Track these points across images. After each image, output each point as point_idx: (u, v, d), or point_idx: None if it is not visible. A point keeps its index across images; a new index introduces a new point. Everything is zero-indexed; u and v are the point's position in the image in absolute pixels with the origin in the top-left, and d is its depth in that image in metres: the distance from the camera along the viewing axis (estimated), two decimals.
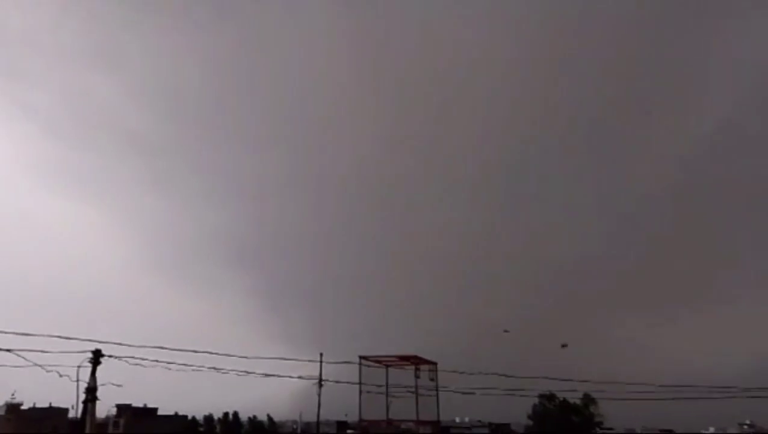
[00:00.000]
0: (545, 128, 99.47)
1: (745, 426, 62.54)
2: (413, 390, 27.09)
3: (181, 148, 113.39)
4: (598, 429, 44.49)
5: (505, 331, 53.12)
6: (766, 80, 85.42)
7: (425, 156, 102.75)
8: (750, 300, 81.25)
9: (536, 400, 42.36)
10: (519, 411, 46.12)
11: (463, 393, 21.59)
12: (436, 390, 26.40)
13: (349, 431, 38.95)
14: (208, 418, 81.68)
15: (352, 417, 31.72)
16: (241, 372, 17.29)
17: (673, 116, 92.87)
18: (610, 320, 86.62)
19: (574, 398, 40.48)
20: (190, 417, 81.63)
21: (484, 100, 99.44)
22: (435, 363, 26.80)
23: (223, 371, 16.89)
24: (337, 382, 21.33)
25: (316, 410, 29.50)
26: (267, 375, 18.29)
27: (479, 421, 50.81)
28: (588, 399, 40.83)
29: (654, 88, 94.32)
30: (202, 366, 16.19)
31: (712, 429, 63.06)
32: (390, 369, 28.51)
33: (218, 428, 78.61)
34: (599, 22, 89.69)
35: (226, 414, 79.76)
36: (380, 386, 27.61)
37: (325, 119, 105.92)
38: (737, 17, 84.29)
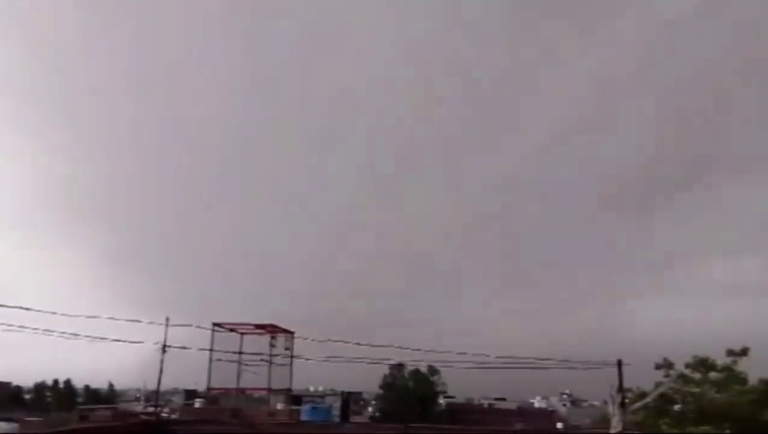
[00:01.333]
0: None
1: (564, 396, 72.76)
2: (268, 358, 26.94)
3: (47, 95, 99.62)
4: (441, 397, 48.05)
5: None
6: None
7: (284, 108, 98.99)
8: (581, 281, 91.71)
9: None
10: (374, 380, 48.26)
11: (306, 360, 21.87)
12: (291, 358, 26.44)
13: (197, 399, 37.97)
14: (39, 386, 74.95)
15: (203, 386, 30.82)
16: (69, 334, 15.32)
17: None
18: (457, 297, 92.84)
19: (422, 368, 43.31)
20: (13, 385, 74.36)
21: None
22: (292, 332, 26.78)
23: (48, 333, 14.79)
24: (183, 348, 20.24)
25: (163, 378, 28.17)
26: (98, 339, 16.53)
27: (332, 390, 52.17)
28: (432, 370, 43.77)
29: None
30: (25, 327, 14.00)
31: (537, 398, 71.45)
32: (246, 337, 28.14)
33: (50, 396, 72.37)
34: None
35: (56, 382, 73.66)
36: (234, 354, 27.21)
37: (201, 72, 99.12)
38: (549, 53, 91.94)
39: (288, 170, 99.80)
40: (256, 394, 31.09)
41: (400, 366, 43.34)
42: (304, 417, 24.57)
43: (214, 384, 27.96)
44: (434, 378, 44.84)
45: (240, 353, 27.69)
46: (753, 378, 22.14)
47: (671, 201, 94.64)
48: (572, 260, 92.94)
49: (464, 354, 15.56)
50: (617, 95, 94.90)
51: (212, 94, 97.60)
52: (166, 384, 31.52)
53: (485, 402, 63.46)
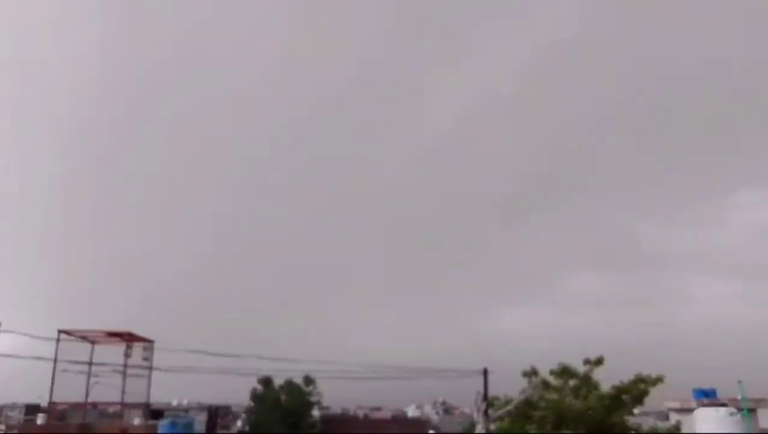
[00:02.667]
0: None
1: (438, 404, 74.87)
2: (123, 369, 24.48)
3: None
4: (316, 409, 46.99)
5: None
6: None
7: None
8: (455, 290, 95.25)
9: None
10: (244, 392, 46.02)
11: (165, 371, 20.07)
12: (149, 369, 24.18)
13: (39, 415, 33.47)
14: None
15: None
16: None
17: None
18: (334, 300, 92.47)
19: (296, 378, 41.98)
20: None
21: None
22: (151, 341, 24.51)
23: None
24: (18, 357, 17.59)
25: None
26: None
27: (198, 403, 49.17)
28: (308, 380, 42.60)
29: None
30: None
31: (412, 406, 72.73)
32: (98, 346, 25.50)
33: None
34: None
35: None
36: (84, 364, 24.57)
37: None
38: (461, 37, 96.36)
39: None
40: (111, 409, 28.38)
41: (268, 378, 41.71)
42: (161, 433, 22.48)
43: (60, 398, 25.38)
44: (309, 389, 43.68)
45: (90, 364, 25.11)
46: (606, 385, 23.65)
47: (537, 218, 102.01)
48: (448, 272, 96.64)
49: (332, 363, 14.84)
50: (498, 115, 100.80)
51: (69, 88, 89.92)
52: (3, 397, 27.64)
53: (360, 412, 63.31)
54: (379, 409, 66.24)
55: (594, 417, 22.17)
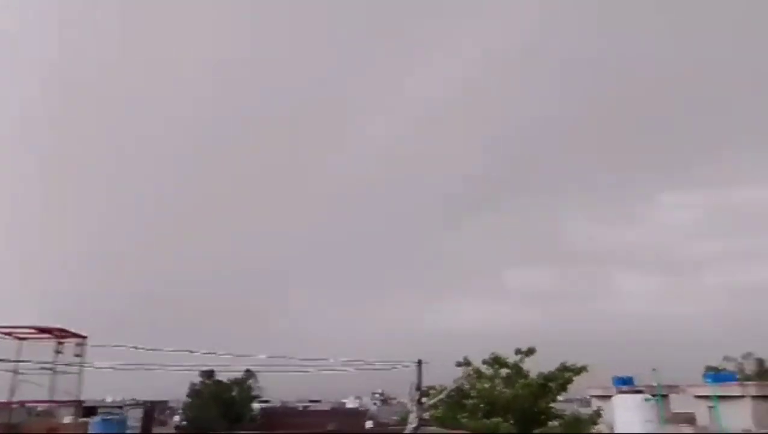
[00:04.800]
0: None
1: (376, 395, 76.30)
2: (52, 366, 23.72)
3: None
4: (256, 403, 46.86)
5: None
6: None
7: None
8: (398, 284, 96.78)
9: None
10: (182, 388, 45.20)
11: (97, 368, 19.69)
12: (81, 366, 23.55)
13: None
14: None
15: None
16: None
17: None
18: (279, 297, 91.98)
19: (237, 373, 41.74)
20: None
21: None
22: (84, 337, 23.86)
23: None
24: None
25: None
26: None
27: (134, 400, 47.84)
28: (249, 374, 42.45)
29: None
30: None
31: (351, 398, 73.64)
32: (26, 342, 24.55)
33: None
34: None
35: None
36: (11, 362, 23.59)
37: None
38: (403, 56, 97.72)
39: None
40: (41, 407, 27.45)
41: (211, 372, 41.25)
42: (93, 431, 21.95)
43: None
44: (249, 383, 43.55)
45: (17, 361, 24.17)
46: (536, 374, 25.00)
47: (479, 217, 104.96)
48: (393, 268, 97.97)
49: (273, 357, 15.12)
50: (445, 117, 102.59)
51: None
52: None
53: (300, 405, 63.51)
54: (318, 401, 66.77)
55: (522, 404, 23.42)
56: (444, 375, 24.38)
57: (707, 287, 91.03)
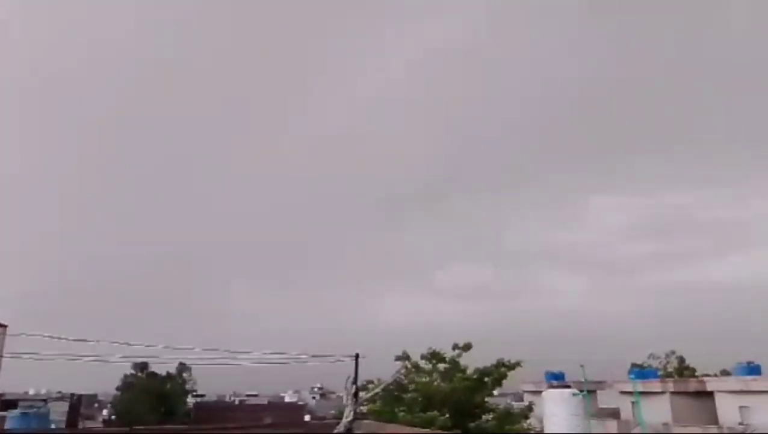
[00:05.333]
0: None
1: (315, 389, 76.00)
2: None
3: None
4: (190, 397, 45.73)
5: None
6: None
7: None
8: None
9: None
10: (113, 381, 43.47)
11: (13, 356, 18.63)
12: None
13: None
14: None
15: None
16: None
17: None
18: (217, 288, 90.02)
19: (171, 367, 40.58)
20: None
21: None
22: (4, 325, 22.40)
23: None
24: None
25: None
26: None
27: (59, 392, 45.67)
28: (183, 367, 41.36)
29: None
30: None
31: (289, 392, 73.05)
32: None
33: None
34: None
35: None
36: None
37: None
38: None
39: None
40: None
41: (144, 364, 39.91)
42: (9, 426, 20.69)
43: None
44: (184, 376, 42.43)
45: None
46: (472, 369, 25.54)
47: (420, 213, 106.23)
48: (334, 263, 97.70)
49: (208, 350, 14.72)
50: (387, 114, 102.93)
51: None
52: None
53: (236, 399, 62.45)
54: (255, 395, 65.91)
55: (458, 398, 23.87)
56: (384, 370, 24.53)
57: (637, 288, 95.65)
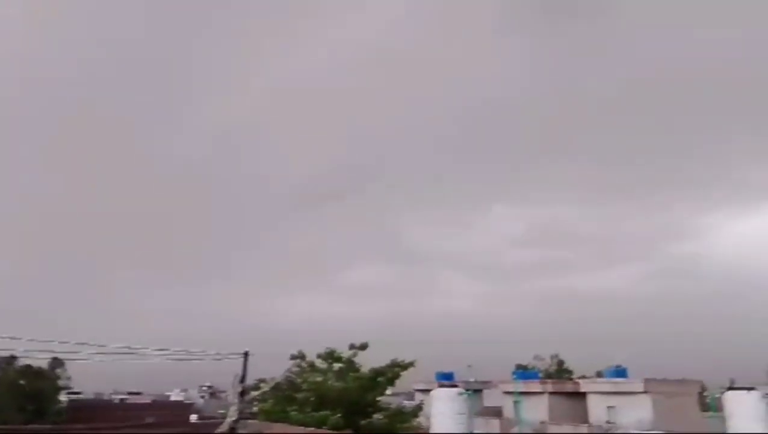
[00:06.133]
0: None
1: (204, 388, 73.13)
2: None
3: None
4: (64, 394, 42.52)
5: None
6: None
7: None
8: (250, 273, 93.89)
9: None
10: None
11: None
12: None
13: None
14: None
15: None
16: None
17: None
18: (109, 282, 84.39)
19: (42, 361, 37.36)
20: None
21: None
22: None
23: None
24: None
25: None
26: None
27: None
28: (56, 363, 38.21)
29: None
30: None
31: (176, 390, 69.82)
32: None
33: None
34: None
35: None
36: None
37: None
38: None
39: None
40: None
41: (12, 357, 36.41)
42: None
43: None
44: (57, 372, 39.16)
45: None
46: (367, 368, 25.75)
47: (326, 210, 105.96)
48: (234, 258, 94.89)
49: (86, 344, 13.67)
50: (298, 106, 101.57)
51: None
52: None
53: (117, 397, 58.76)
54: (138, 394, 62.41)
55: (351, 397, 23.96)
56: (280, 369, 24.15)
57: (525, 293, 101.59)
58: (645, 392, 27.28)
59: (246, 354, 14.12)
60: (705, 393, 34.80)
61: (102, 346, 15.79)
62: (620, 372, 29.83)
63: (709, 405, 33.02)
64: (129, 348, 12.65)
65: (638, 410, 27.01)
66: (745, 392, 17.40)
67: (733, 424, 17.15)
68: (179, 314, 76.49)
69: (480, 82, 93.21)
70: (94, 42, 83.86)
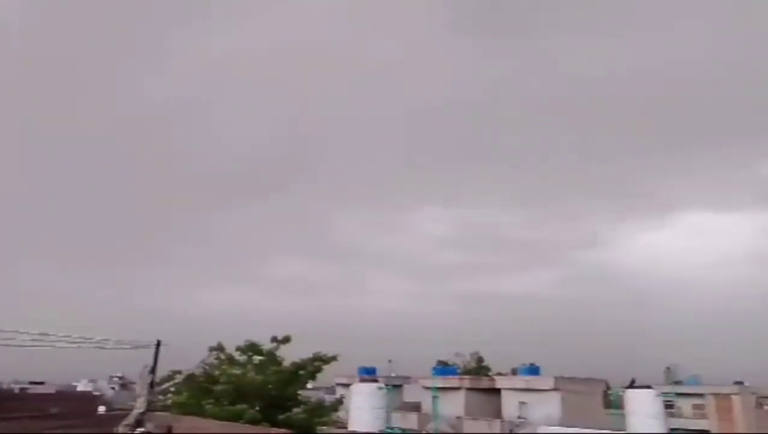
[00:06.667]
0: None
1: (115, 379, 69.69)
2: None
3: None
4: None
5: None
6: None
7: None
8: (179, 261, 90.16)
9: None
10: None
11: None
12: None
13: None
14: None
15: None
16: None
17: None
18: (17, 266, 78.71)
19: None
20: None
21: None
22: None
23: None
24: None
25: None
26: None
27: None
28: None
29: None
30: None
31: (84, 381, 66.23)
32: None
33: None
34: None
35: None
36: None
37: None
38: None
39: None
40: None
41: None
42: None
43: None
44: None
45: None
46: (289, 361, 25.41)
47: (255, 201, 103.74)
48: (159, 248, 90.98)
49: None
50: (225, 94, 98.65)
51: None
52: None
53: (16, 387, 54.87)
54: (41, 383, 58.65)
55: (270, 391, 23.58)
56: (197, 361, 23.34)
57: (450, 292, 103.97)
58: (555, 389, 28.64)
59: (158, 344, 13.53)
60: (609, 391, 37.06)
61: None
62: (533, 370, 31.17)
63: (612, 402, 35.22)
64: (29, 333, 11.78)
65: (548, 406, 28.33)
66: (642, 391, 18.66)
67: (632, 421, 18.41)
68: (92, 301, 72.59)
69: (413, 85, 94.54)
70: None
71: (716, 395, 37.30)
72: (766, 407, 45.49)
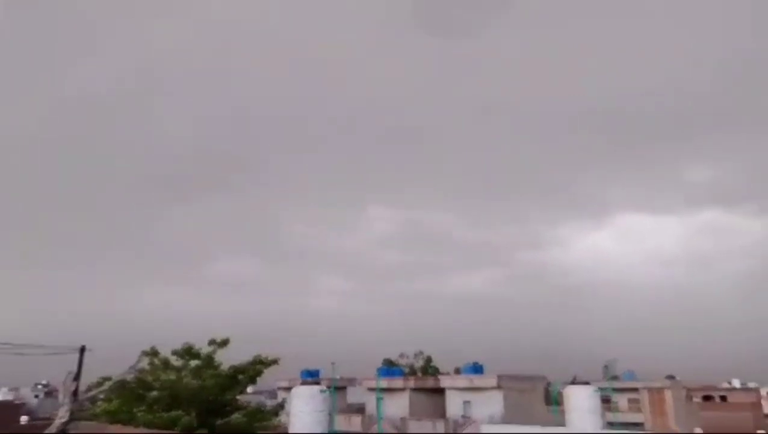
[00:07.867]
0: None
1: (40, 386, 65.76)
2: None
3: None
4: None
5: None
6: None
7: None
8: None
9: None
10: None
11: None
12: None
13: None
14: None
15: None
16: None
17: None
18: None
19: None
20: None
21: None
22: None
23: None
24: None
25: None
26: None
27: None
28: None
29: None
30: None
31: (5, 389, 62.38)
32: None
33: None
34: None
35: None
36: None
37: None
38: None
39: None
40: None
41: None
42: None
43: None
44: None
45: None
46: (228, 365, 24.49)
47: (202, 200, 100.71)
48: (87, 243, 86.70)
49: None
50: (170, 86, 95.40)
51: None
52: None
53: None
54: None
55: (207, 396, 22.64)
56: (128, 366, 22.11)
57: (395, 292, 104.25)
58: (498, 387, 28.95)
59: (82, 349, 12.58)
60: (550, 388, 37.89)
61: None
62: (477, 369, 31.40)
63: (552, 399, 36.01)
64: None
65: (491, 405, 28.59)
66: (580, 387, 19.01)
67: (571, 417, 18.69)
68: (13, 304, 68.36)
69: (362, 83, 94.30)
70: None
71: (650, 389, 38.86)
72: (695, 399, 47.90)
